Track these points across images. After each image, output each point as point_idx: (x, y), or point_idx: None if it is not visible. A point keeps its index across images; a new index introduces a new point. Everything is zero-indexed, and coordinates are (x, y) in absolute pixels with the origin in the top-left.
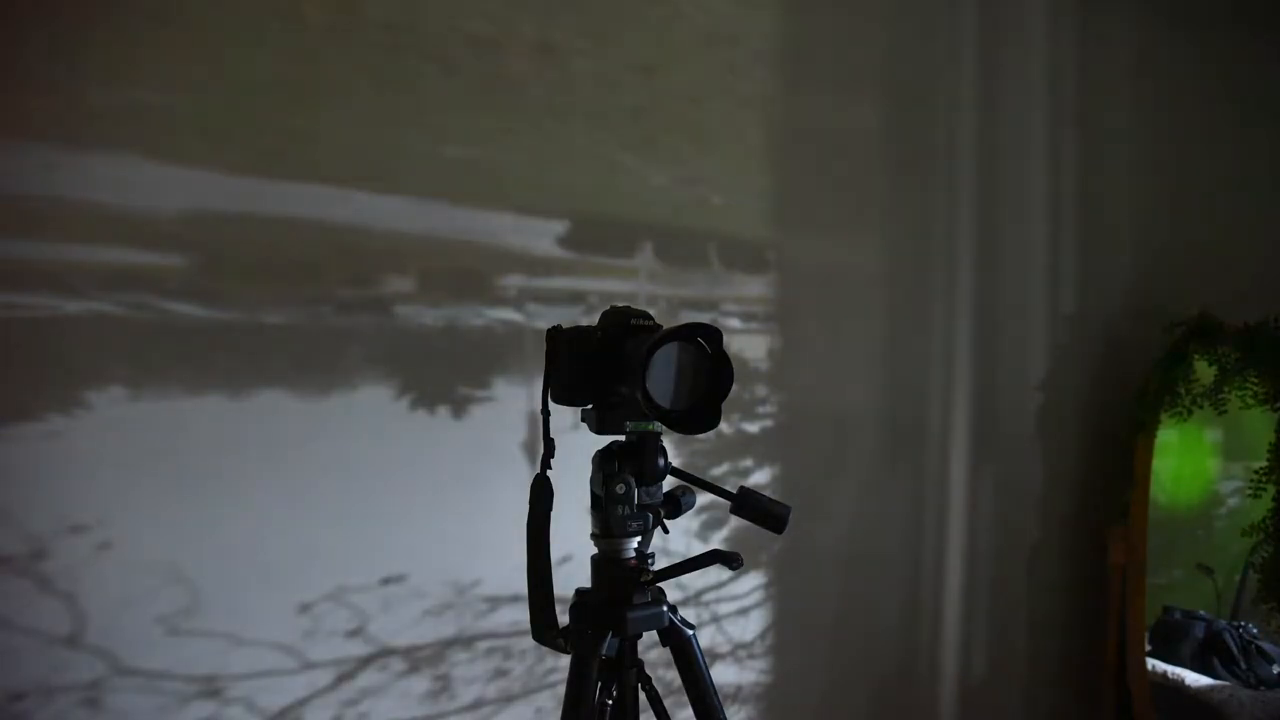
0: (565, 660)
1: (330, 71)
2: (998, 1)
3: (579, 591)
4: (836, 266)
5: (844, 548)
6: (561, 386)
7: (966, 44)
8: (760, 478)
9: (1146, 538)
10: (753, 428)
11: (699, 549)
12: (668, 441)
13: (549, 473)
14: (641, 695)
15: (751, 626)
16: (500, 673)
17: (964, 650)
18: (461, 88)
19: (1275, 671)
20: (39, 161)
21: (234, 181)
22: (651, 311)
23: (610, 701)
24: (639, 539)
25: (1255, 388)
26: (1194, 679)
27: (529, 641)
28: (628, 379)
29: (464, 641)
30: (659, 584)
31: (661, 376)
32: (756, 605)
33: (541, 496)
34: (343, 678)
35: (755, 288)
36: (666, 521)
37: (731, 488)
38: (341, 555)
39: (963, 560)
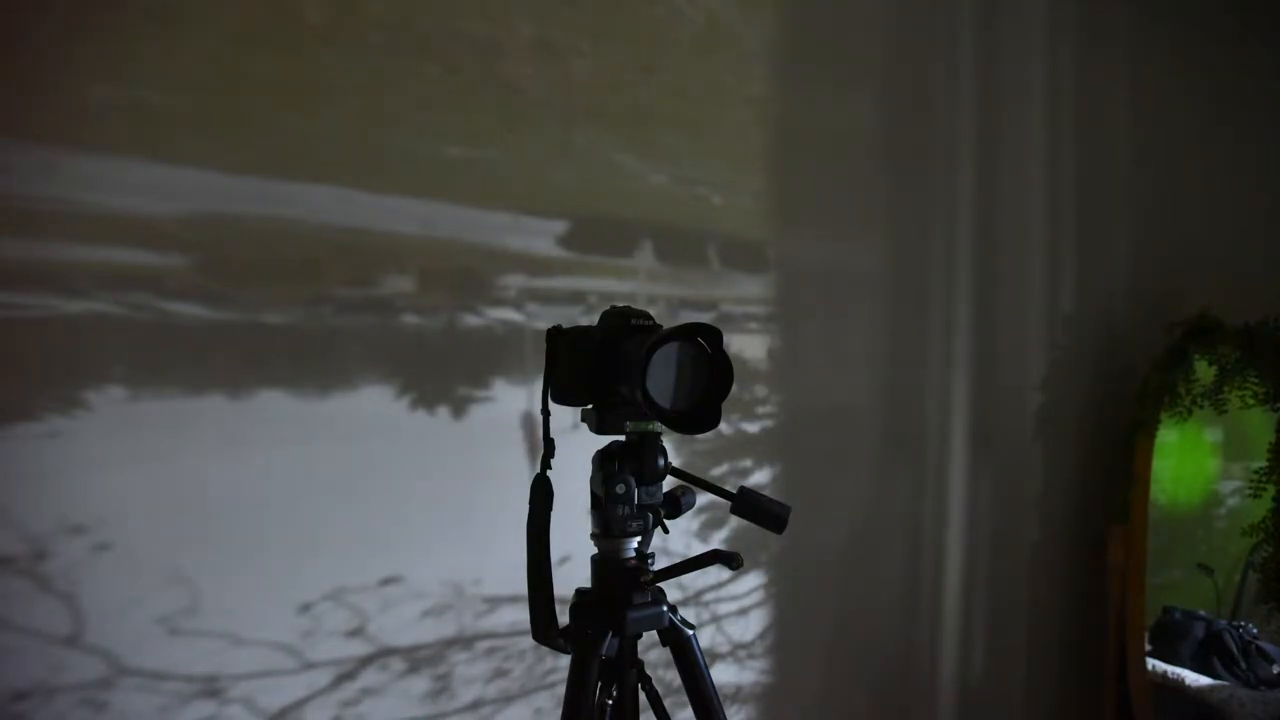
0: (565, 660)
1: (330, 71)
2: (997, 2)
3: (579, 591)
4: (836, 266)
5: (844, 548)
6: (561, 387)
7: (966, 44)
8: (760, 478)
9: (1147, 538)
10: (753, 428)
11: (699, 549)
12: (668, 441)
13: (549, 473)
14: (641, 695)
15: (751, 626)
16: (500, 673)
17: (964, 650)
18: (461, 88)
19: (1275, 671)
20: (39, 161)
21: (234, 181)
22: (651, 311)
23: (610, 701)
24: (639, 539)
25: (1255, 388)
26: (1194, 679)
27: (529, 642)
28: (628, 379)
29: (463, 642)
30: (659, 584)
31: (661, 376)
32: (756, 605)
33: (541, 496)
34: (342, 678)
35: (755, 287)
36: (666, 521)
37: (731, 488)
38: (341, 555)
39: (962, 560)
